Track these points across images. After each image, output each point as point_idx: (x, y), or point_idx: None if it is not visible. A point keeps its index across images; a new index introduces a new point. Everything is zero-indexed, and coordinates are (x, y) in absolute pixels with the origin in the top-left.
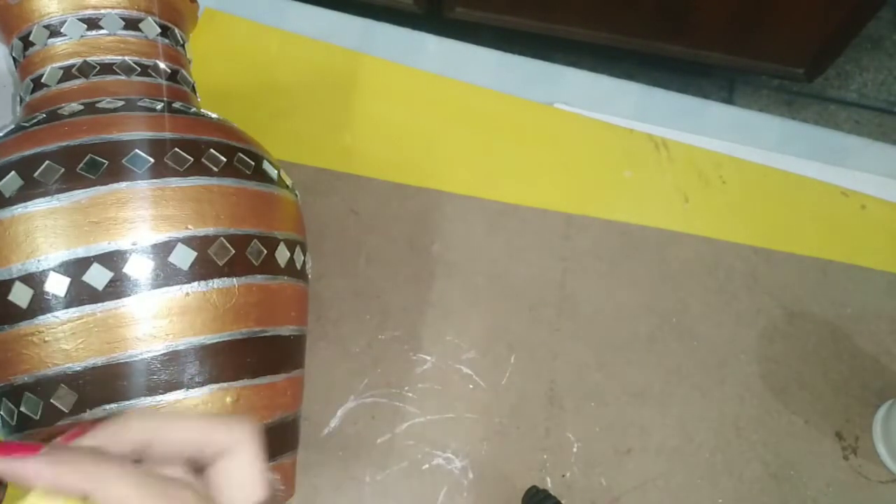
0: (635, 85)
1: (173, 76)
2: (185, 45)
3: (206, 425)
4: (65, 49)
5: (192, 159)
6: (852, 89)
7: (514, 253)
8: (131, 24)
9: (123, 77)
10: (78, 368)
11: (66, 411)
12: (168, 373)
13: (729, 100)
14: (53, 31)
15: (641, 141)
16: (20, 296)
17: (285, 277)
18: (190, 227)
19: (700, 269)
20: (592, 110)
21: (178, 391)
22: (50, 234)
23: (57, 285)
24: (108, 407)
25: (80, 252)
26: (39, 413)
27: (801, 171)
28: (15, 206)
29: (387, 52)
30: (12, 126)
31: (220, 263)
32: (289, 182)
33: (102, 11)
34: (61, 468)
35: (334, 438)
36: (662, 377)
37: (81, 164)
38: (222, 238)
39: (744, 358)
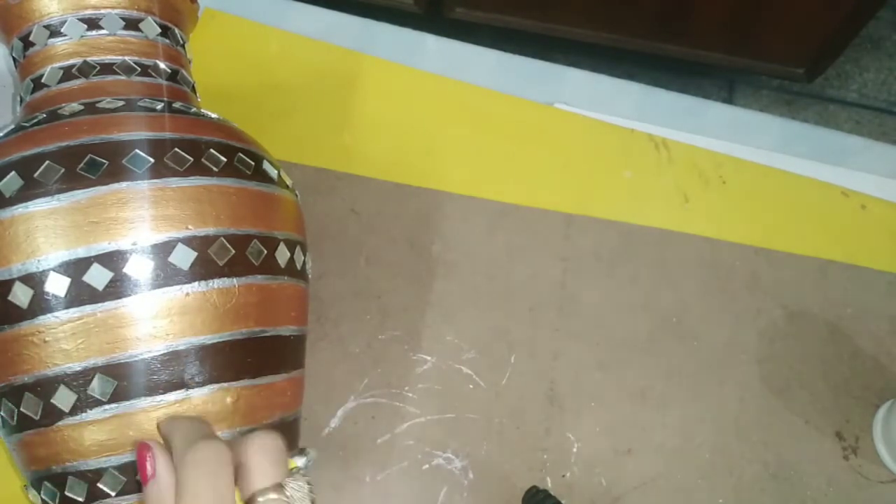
0: (635, 85)
1: (173, 76)
2: (185, 45)
3: None
4: (65, 49)
5: (192, 159)
6: (852, 89)
7: (514, 253)
8: (131, 24)
9: (123, 77)
10: (78, 368)
11: (66, 411)
12: (168, 373)
13: (729, 100)
14: (53, 31)
15: (641, 141)
16: (20, 296)
17: (285, 277)
18: (190, 227)
19: (700, 269)
20: (592, 110)
21: (178, 391)
22: (50, 234)
23: (57, 285)
24: (107, 407)
25: (81, 252)
26: (39, 413)
27: (801, 171)
28: (15, 206)
29: (387, 52)
30: (12, 126)
31: (221, 263)
32: (289, 182)
33: (102, 11)
34: None
35: (334, 438)
36: (662, 377)
37: (81, 165)
38: (222, 238)
39: (744, 358)
